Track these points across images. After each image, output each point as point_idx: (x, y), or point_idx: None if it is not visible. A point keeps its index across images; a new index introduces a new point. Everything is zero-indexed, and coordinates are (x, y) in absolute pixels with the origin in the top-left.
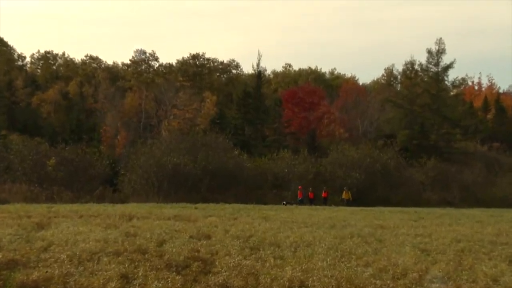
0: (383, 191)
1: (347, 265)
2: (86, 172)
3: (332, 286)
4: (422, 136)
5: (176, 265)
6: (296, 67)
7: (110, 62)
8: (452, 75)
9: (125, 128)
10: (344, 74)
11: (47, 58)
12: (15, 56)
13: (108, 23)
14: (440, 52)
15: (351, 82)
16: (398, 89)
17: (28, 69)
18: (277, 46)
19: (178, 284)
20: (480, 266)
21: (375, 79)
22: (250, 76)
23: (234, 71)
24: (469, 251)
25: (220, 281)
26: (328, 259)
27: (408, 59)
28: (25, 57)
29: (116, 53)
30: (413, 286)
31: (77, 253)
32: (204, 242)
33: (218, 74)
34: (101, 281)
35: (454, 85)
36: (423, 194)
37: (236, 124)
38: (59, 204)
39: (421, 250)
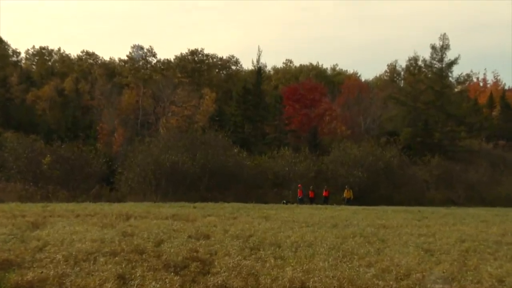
0: (386, 190)
1: (349, 265)
2: (82, 171)
3: (334, 287)
4: (426, 133)
5: (174, 266)
6: (297, 63)
7: (106, 58)
8: (457, 71)
9: (122, 126)
10: (346, 70)
11: (42, 54)
12: (10, 51)
13: (104, 18)
14: (444, 47)
15: (353, 78)
16: (401, 85)
17: (23, 65)
18: (278, 41)
19: (176, 285)
20: (485, 267)
21: (378, 76)
22: (250, 72)
23: (233, 67)
24: (474, 251)
25: (219, 282)
26: (329, 260)
27: (412, 55)
28: (20, 53)
29: (113, 49)
30: (417, 287)
31: (73, 253)
32: (203, 242)
33: (217, 70)
34: (98, 282)
35: (458, 81)
36: (426, 193)
37: (235, 121)
38: (54, 203)
39: (424, 250)
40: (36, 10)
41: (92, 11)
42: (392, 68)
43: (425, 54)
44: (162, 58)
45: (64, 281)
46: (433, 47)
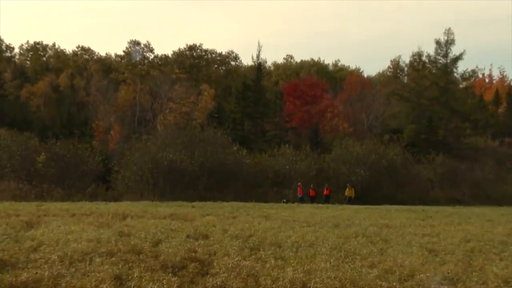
0: (389, 189)
1: (351, 266)
2: (77, 169)
3: None
4: (430, 131)
5: (172, 266)
6: (297, 59)
7: (102, 54)
8: (462, 67)
9: (119, 123)
10: (348, 66)
11: (36, 49)
12: (3, 47)
13: (100, 12)
14: (449, 42)
15: (356, 74)
16: (405, 81)
17: (16, 60)
18: (278, 36)
19: (174, 286)
20: (491, 267)
21: (381, 71)
22: (249, 68)
23: (233, 63)
24: (479, 252)
25: (218, 282)
26: (331, 260)
27: (416, 50)
28: (13, 48)
29: (109, 44)
30: None
31: (69, 253)
32: (202, 242)
33: (216, 66)
34: (94, 283)
35: (463, 77)
36: (431, 192)
37: (235, 118)
38: (49, 202)
39: (428, 251)
40: (30, 4)
41: (88, 5)
42: (396, 64)
43: (430, 49)
44: (160, 54)
45: (59, 282)
46: (438, 42)
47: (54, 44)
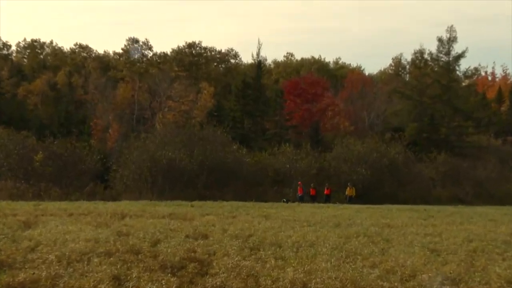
0: (391, 188)
1: (353, 266)
2: (75, 168)
3: None
4: (432, 129)
5: (171, 266)
6: (298, 56)
7: (100, 51)
8: (464, 65)
9: (117, 121)
10: (349, 64)
11: (34, 47)
12: (0, 44)
13: (98, 9)
14: (452, 40)
15: (357, 72)
16: (407, 79)
17: (13, 58)
18: (278, 34)
19: (173, 287)
20: (494, 267)
21: (382, 69)
22: (249, 66)
23: (232, 61)
24: (482, 252)
25: (217, 283)
26: (332, 260)
27: (418, 47)
28: (10, 46)
29: (107, 42)
30: None
31: (66, 253)
32: (201, 242)
33: (215, 63)
34: (92, 283)
35: (466, 75)
36: (433, 191)
37: (234, 116)
38: (47, 202)
39: (430, 251)
40: (28, 2)
41: (86, 2)
42: (397, 62)
43: (432, 47)
44: (159, 51)
45: (57, 282)
46: (440, 40)
47: (51, 42)
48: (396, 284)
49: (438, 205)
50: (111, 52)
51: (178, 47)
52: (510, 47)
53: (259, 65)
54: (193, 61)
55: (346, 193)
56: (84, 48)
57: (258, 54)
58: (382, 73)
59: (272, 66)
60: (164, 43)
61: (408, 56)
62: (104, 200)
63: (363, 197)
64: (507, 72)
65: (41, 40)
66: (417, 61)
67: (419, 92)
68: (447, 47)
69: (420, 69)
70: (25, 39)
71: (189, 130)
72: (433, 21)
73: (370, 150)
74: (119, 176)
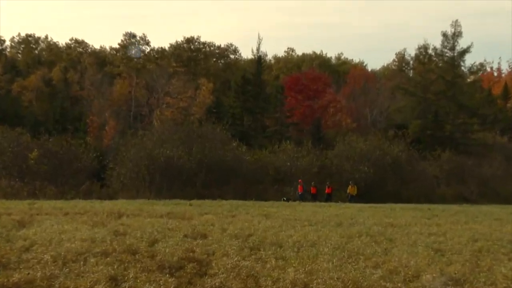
0: (394, 186)
1: (355, 266)
2: (71, 166)
3: None
4: (436, 126)
5: (169, 267)
6: (299, 52)
7: (97, 46)
8: (469, 60)
9: (114, 118)
10: (352, 60)
11: (28, 42)
12: None
13: (95, 3)
14: (456, 35)
15: (359, 68)
16: (410, 75)
17: (7, 53)
18: (279, 29)
19: (171, 287)
20: (499, 268)
21: (385, 65)
22: (249, 61)
23: (232, 56)
24: (487, 251)
25: (217, 283)
26: (334, 260)
27: (421, 42)
28: (4, 41)
29: (104, 37)
30: None
31: (62, 253)
32: (200, 241)
33: (214, 59)
34: (88, 284)
35: (471, 71)
36: (437, 190)
37: (234, 113)
38: (42, 200)
39: (435, 250)
40: None
41: None
42: (401, 57)
43: (436, 42)
44: (156, 47)
45: (52, 283)
46: (445, 35)
47: (46, 37)
48: (399, 284)
49: (443, 204)
50: (107, 47)
51: (176, 42)
52: None
53: (259, 61)
54: (192, 57)
55: (348, 191)
56: (80, 43)
57: (258, 49)
58: (385, 69)
59: (273, 61)
60: (162, 38)
61: (411, 52)
62: (101, 199)
63: (366, 195)
64: None
65: (36, 35)
66: (421, 57)
67: (423, 88)
68: (451, 42)
69: (424, 65)
70: (19, 34)
71: (187, 127)
72: (438, 16)
73: (373, 147)
74: (116, 174)
